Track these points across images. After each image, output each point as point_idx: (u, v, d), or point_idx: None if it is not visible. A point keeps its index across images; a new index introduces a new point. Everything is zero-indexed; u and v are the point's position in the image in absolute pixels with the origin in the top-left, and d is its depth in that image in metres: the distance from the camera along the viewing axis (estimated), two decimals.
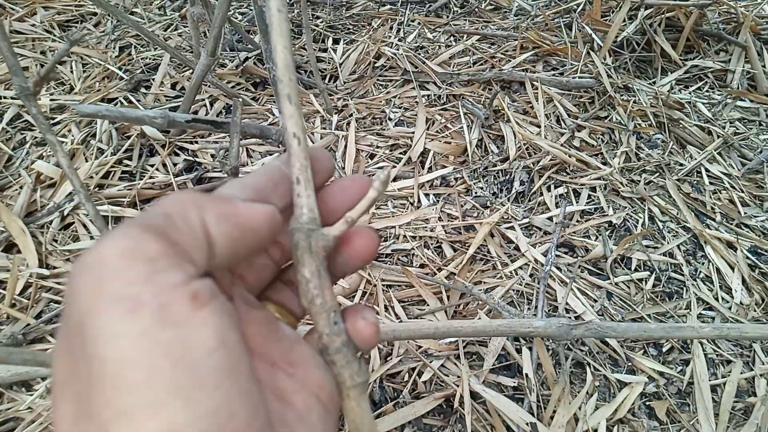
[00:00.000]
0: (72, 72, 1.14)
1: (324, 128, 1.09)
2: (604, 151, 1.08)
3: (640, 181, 1.03)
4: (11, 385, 0.68)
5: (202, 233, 0.18)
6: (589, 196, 1.00)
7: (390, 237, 0.90)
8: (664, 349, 0.80)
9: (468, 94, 1.17)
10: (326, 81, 1.23)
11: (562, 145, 1.06)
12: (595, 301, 0.85)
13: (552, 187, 1.00)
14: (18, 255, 0.81)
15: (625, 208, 0.99)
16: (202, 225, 0.18)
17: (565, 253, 0.91)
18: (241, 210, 0.20)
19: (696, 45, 1.33)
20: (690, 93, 1.24)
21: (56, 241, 0.84)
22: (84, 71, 1.16)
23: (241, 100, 1.03)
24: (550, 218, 0.94)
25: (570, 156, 1.04)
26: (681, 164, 1.08)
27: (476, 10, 1.46)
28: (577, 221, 0.96)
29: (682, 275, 0.90)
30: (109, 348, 0.15)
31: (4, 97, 1.07)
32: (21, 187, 0.90)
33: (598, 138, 1.11)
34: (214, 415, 0.15)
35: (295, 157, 0.22)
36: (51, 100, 1.07)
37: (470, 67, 1.26)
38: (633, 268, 0.90)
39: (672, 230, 0.97)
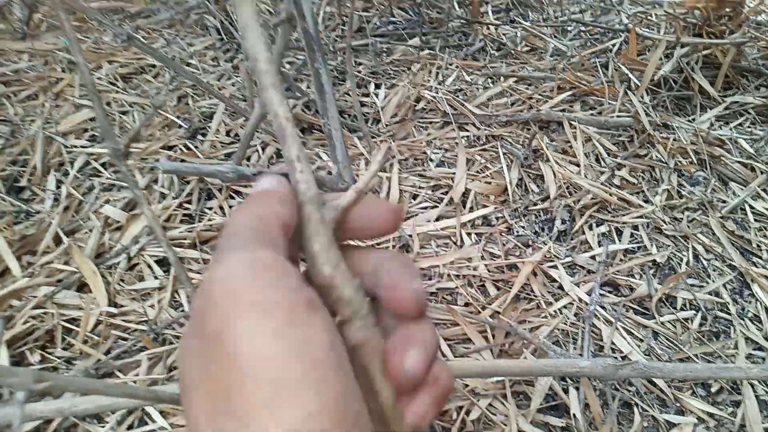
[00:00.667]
0: (135, 121, 1.23)
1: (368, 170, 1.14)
2: (645, 189, 1.09)
3: (683, 219, 1.04)
4: (84, 418, 0.73)
5: (280, 229, 0.22)
6: (632, 235, 1.01)
7: (434, 276, 0.93)
8: (713, 390, 0.80)
9: (507, 135, 1.21)
10: (369, 124, 1.29)
11: (602, 183, 1.08)
12: (641, 340, 0.85)
13: (594, 225, 1.02)
14: (89, 294, 0.87)
15: (669, 246, 0.99)
16: (278, 220, 0.22)
17: (610, 292, 0.92)
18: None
19: (735, 81, 1.34)
20: (731, 129, 1.24)
21: (123, 281, 0.90)
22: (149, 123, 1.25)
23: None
24: (592, 257, 0.96)
25: (611, 194, 1.05)
26: (724, 201, 1.08)
27: (512, 52, 1.51)
28: (621, 260, 0.97)
29: (729, 314, 0.89)
30: (249, 347, 0.18)
31: (74, 146, 1.17)
32: (90, 230, 0.97)
33: (639, 176, 1.12)
34: (336, 404, 0.18)
35: (291, 139, 0.24)
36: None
37: (508, 108, 1.30)
38: (678, 308, 0.90)
39: (717, 268, 0.96)
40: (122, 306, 0.86)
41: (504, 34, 1.61)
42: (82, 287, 0.89)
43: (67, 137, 1.18)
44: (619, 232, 1.02)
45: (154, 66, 1.44)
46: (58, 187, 1.07)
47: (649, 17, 1.56)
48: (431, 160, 1.17)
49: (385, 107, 1.32)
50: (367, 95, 1.37)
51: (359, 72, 1.43)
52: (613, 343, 0.83)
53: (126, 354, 0.80)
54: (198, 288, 0.20)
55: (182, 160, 1.13)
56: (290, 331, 0.18)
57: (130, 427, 0.72)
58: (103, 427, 0.72)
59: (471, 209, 1.04)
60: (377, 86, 1.39)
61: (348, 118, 1.29)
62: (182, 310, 0.87)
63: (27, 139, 1.15)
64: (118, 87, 1.35)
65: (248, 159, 1.15)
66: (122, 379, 0.77)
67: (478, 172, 1.12)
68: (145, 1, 1.72)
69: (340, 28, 1.63)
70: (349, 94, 1.40)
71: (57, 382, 0.26)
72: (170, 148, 1.16)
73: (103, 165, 1.12)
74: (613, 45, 1.44)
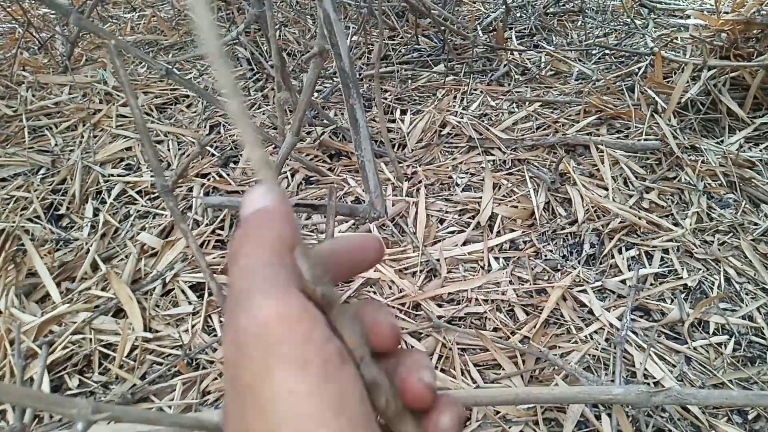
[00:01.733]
0: (169, 150, 1.28)
1: (395, 195, 1.15)
2: (674, 212, 1.08)
3: (713, 242, 1.02)
4: None
5: (292, 256, 0.21)
6: (662, 258, 1.00)
7: (462, 300, 0.93)
8: (749, 417, 0.78)
9: (533, 159, 1.21)
10: (395, 150, 1.31)
11: (631, 207, 1.07)
12: (674, 366, 0.83)
13: (623, 249, 1.01)
14: (125, 320, 0.90)
15: (700, 270, 0.98)
16: (289, 246, 0.21)
17: (640, 316, 0.91)
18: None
19: (764, 102, 1.32)
20: (760, 151, 1.22)
21: (158, 306, 0.93)
22: (179, 149, 1.29)
23: (335, 185, 1.12)
24: (623, 281, 0.95)
25: (640, 218, 1.05)
26: (755, 224, 1.06)
27: (537, 76, 1.52)
28: (651, 284, 0.95)
29: (764, 339, 0.87)
30: (287, 404, 0.18)
31: (111, 175, 1.21)
32: (127, 257, 1.01)
33: (668, 199, 1.12)
34: None
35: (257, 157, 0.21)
36: (151, 176, 1.19)
37: (533, 132, 1.31)
38: (711, 332, 0.88)
39: (750, 292, 0.95)
40: (157, 331, 0.88)
41: (528, 59, 1.63)
42: (119, 313, 0.92)
43: (105, 166, 1.22)
44: (649, 256, 1.01)
45: (187, 96, 1.50)
46: (95, 215, 1.11)
47: (674, 40, 1.56)
48: (457, 184, 1.18)
49: (410, 132, 1.34)
50: (393, 121, 1.39)
51: (385, 98, 1.46)
52: (645, 369, 0.82)
53: (161, 379, 0.82)
54: (228, 335, 0.20)
55: (215, 188, 1.16)
56: (326, 387, 0.18)
57: None
58: None
59: (498, 233, 1.05)
60: (403, 112, 1.42)
61: (375, 144, 1.31)
62: (215, 335, 0.89)
63: (66, 169, 1.20)
64: (153, 117, 1.40)
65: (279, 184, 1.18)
66: (157, 404, 0.79)
67: (504, 196, 1.13)
68: (179, 34, 1.79)
69: (366, 56, 1.67)
70: (375, 120, 1.42)
71: (114, 412, 0.27)
72: (204, 175, 1.20)
73: (138, 193, 1.16)
74: (639, 68, 1.45)
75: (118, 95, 1.46)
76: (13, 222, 1.06)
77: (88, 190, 1.16)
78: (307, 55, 0.94)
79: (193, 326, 0.89)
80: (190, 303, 0.93)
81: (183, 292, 0.94)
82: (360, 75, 1.57)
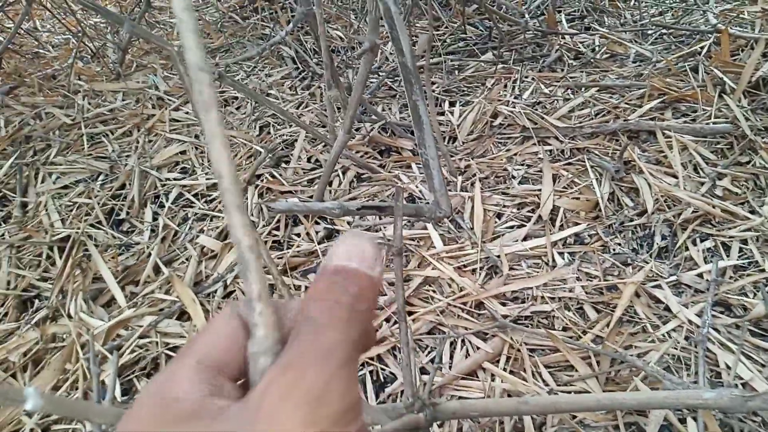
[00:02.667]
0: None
1: (449, 189, 1.12)
2: (750, 200, 1.01)
3: None
4: None
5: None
6: (741, 249, 0.94)
7: (527, 298, 0.89)
8: None
9: (593, 147, 1.16)
10: (445, 143, 1.27)
11: (703, 195, 1.01)
12: (763, 366, 0.78)
13: (698, 240, 0.95)
14: (189, 322, 0.91)
15: None
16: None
17: (721, 312, 0.85)
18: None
19: None
20: None
21: (220, 308, 0.93)
22: (231, 150, 1.29)
23: (402, 187, 1.10)
24: (699, 275, 0.89)
25: (714, 206, 0.98)
26: None
27: (592, 60, 1.45)
28: (731, 277, 0.89)
29: None
30: None
31: (168, 179, 1.23)
32: (187, 260, 1.02)
33: (742, 185, 1.04)
34: None
35: (253, 274, 0.21)
36: (207, 179, 1.20)
37: (592, 119, 1.25)
38: None
39: None
40: None
41: (580, 43, 1.56)
42: (182, 315, 0.93)
43: (161, 170, 1.24)
44: (727, 247, 0.94)
45: (236, 98, 1.51)
46: (154, 219, 1.13)
47: (740, 15, 1.46)
48: (513, 177, 1.14)
49: (461, 125, 1.31)
50: (442, 113, 1.36)
51: (432, 91, 1.42)
52: (728, 366, 0.77)
53: None
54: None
55: (268, 189, 1.16)
56: None
57: None
58: None
59: (561, 227, 1.00)
60: (452, 104, 1.38)
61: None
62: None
63: (125, 174, 1.22)
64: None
65: (330, 184, 1.17)
66: None
67: (565, 187, 1.08)
68: (225, 36, 1.81)
69: (411, 48, 1.63)
70: None
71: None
72: (257, 176, 1.20)
73: (195, 196, 1.17)
74: (702, 47, 1.36)
75: (170, 100, 1.48)
76: (77, 228, 1.08)
77: (146, 194, 1.18)
78: (359, 51, 0.92)
79: None
80: None
81: (244, 294, 0.94)
82: None
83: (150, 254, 1.03)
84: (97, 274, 0.99)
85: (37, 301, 0.98)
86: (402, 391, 0.79)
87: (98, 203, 1.15)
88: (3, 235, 1.10)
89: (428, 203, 0.89)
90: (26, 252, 1.07)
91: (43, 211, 1.15)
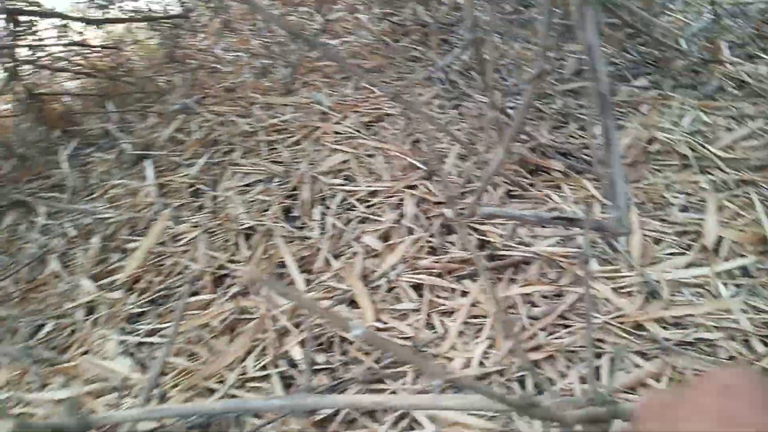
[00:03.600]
0: (376, 164, 1.40)
1: (603, 212, 1.14)
2: None
3: None
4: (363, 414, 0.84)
5: None
6: None
7: (689, 325, 0.89)
8: None
9: (761, 180, 1.12)
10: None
11: None
12: None
13: None
14: (357, 310, 1.01)
15: None
16: None
17: None
18: None
19: None
20: None
21: (384, 301, 1.03)
22: (387, 162, 1.41)
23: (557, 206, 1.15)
24: None
25: None
26: None
27: (757, 90, 1.40)
28: None
29: None
30: None
31: (333, 184, 1.36)
32: (354, 255, 1.13)
33: None
34: None
35: None
36: (367, 186, 1.32)
37: (758, 151, 1.21)
38: None
39: None
40: (386, 323, 0.98)
41: (744, 71, 1.51)
42: (351, 303, 1.03)
43: (327, 176, 1.38)
44: None
45: (389, 115, 1.63)
46: (322, 218, 1.26)
47: None
48: (672, 204, 1.13)
49: None
50: (593, 137, 1.37)
51: (582, 114, 1.45)
52: None
53: (393, 365, 0.91)
54: None
55: (423, 199, 1.25)
56: None
57: (404, 429, 0.81)
58: (381, 425, 0.82)
59: (726, 258, 0.99)
60: None
61: (573, 160, 1.31)
62: (435, 332, 0.96)
63: (296, 178, 1.38)
64: (362, 134, 1.54)
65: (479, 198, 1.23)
66: (390, 387, 0.88)
67: (729, 218, 1.06)
68: (379, 57, 1.96)
69: (557, 71, 1.67)
70: (573, 136, 1.42)
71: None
72: (411, 187, 1.30)
73: (357, 200, 1.29)
74: None
75: (333, 114, 1.64)
76: (260, 220, 1.24)
77: (315, 196, 1.32)
78: (530, 77, 0.98)
79: (416, 321, 0.97)
80: (411, 301, 1.01)
81: (405, 290, 1.03)
82: (553, 91, 1.58)
83: (319, 248, 1.16)
84: (279, 260, 1.14)
85: (228, 279, 1.15)
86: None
87: (275, 201, 1.31)
88: (199, 222, 1.30)
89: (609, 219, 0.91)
90: (217, 238, 1.25)
91: (230, 204, 1.33)
